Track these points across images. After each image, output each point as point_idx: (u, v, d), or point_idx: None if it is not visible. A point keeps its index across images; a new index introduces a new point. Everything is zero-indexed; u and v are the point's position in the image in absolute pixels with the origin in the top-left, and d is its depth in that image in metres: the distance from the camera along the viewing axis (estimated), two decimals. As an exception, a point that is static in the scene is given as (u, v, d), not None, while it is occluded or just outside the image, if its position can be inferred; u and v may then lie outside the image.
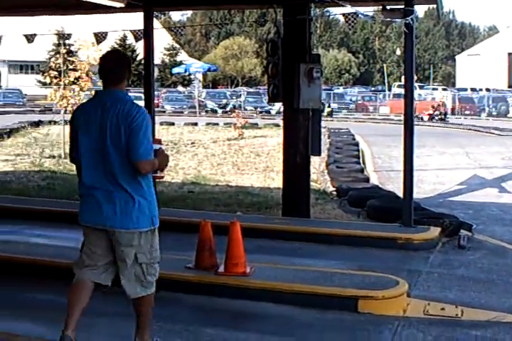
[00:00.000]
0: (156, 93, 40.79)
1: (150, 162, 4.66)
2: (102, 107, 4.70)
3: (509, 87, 69.57)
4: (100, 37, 12.12)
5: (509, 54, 74.65)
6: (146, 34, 10.78)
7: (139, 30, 11.44)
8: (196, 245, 6.90)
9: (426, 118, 39.12)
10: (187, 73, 60.08)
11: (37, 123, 29.99)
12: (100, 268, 4.84)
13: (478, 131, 31.52)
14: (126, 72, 4.87)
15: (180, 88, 62.61)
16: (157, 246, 4.90)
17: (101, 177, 4.69)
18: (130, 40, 60.33)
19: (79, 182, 4.87)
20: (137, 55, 61.77)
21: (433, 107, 40.42)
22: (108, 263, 4.84)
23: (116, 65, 4.83)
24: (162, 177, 4.95)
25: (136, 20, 12.66)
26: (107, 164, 4.66)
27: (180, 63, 62.10)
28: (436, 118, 38.79)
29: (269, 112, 43.20)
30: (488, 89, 58.46)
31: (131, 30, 11.86)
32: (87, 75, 19.89)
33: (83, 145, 4.73)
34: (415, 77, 9.94)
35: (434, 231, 8.77)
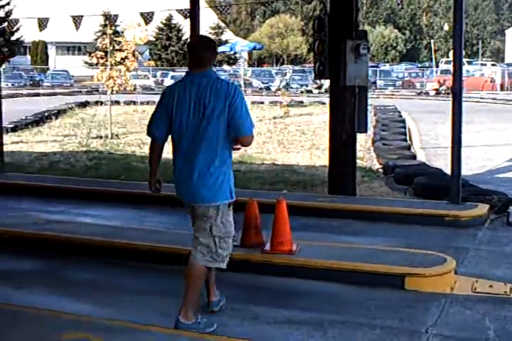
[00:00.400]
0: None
1: (252, 136, 4.97)
2: (197, 87, 4.89)
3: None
4: (147, 17, 12.18)
5: (561, 27, 73.03)
6: (192, 13, 10.75)
7: (185, 10, 11.46)
8: (242, 223, 6.92)
9: (432, 93, 38.74)
10: (232, 52, 60.05)
11: (84, 104, 30.33)
12: None
13: (530, 107, 30.97)
14: (213, 55, 5.07)
15: (225, 67, 62.68)
16: (232, 221, 5.05)
17: (196, 153, 4.87)
18: (176, 19, 60.55)
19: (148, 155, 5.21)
20: (183, 35, 62.02)
21: (439, 82, 39.99)
22: None
23: (204, 47, 5.03)
24: (239, 148, 5.12)
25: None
26: (204, 141, 4.85)
27: (226, 42, 62.10)
28: (443, 92, 38.31)
29: (269, 89, 43.17)
30: (539, 64, 57.33)
31: (177, 10, 11.89)
32: (133, 55, 20.00)
33: (178, 124, 4.91)
34: (463, 53, 9.78)
35: (483, 208, 8.66)
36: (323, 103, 27.59)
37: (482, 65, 59.42)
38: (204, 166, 4.85)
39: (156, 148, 5.10)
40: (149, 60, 63.07)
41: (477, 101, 33.00)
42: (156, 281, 6.35)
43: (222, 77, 5.16)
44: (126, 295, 5.98)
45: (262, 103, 31.51)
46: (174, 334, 4.90)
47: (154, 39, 63.49)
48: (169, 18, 62.78)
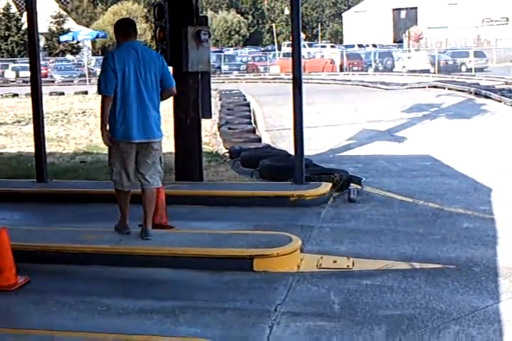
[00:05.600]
0: (43, 63, 39.71)
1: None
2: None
3: (394, 42, 71.09)
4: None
5: (393, 10, 76.07)
6: (29, 2, 10.40)
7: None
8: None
9: None
10: (75, 41, 58.79)
11: None
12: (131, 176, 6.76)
13: (366, 86, 32.17)
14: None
15: (69, 56, 61.17)
16: None
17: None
18: (14, 9, 58.38)
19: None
20: (22, 24, 59.79)
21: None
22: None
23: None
24: None
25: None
26: None
27: (68, 31, 60.62)
28: None
29: None
30: (374, 45, 59.60)
31: (13, 0, 11.44)
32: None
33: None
34: (304, 36, 10.03)
35: (325, 187, 8.94)
36: (169, 90, 27.47)
37: (322, 47, 61.04)
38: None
39: None
40: (-12, 51, 60.45)
41: (318, 83, 33.90)
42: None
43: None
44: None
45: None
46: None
47: (-8, 29, 60.95)
48: (7, 8, 60.37)
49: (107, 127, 6.62)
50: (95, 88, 25.64)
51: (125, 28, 6.78)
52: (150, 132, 6.66)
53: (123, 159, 6.65)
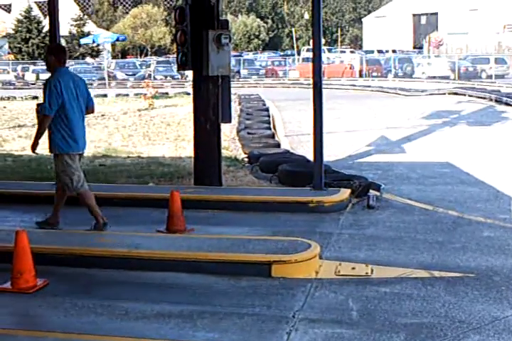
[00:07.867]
0: (63, 65, 39.90)
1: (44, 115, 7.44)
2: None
3: (414, 47, 70.92)
4: (4, 9, 11.81)
5: (414, 15, 75.89)
6: (51, 5, 10.48)
7: (44, 1, 11.14)
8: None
9: None
10: (95, 44, 59.06)
11: None
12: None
13: (386, 92, 32.09)
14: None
15: (88, 59, 61.52)
16: None
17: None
18: (35, 11, 58.79)
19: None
20: (43, 27, 60.23)
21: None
22: None
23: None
24: None
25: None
26: None
27: (88, 34, 60.95)
28: None
29: None
30: (394, 51, 59.46)
31: (35, 2, 11.56)
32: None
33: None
34: (323, 41, 10.02)
35: (344, 193, 8.91)
36: (188, 93, 27.58)
37: (341, 52, 61.01)
38: None
39: None
40: (9, 53, 60.93)
41: (337, 88, 33.86)
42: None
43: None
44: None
45: (127, 95, 31.13)
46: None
47: (14, 32, 61.36)
48: (28, 10, 60.80)
49: (55, 141, 7.48)
50: (115, 91, 26.00)
51: (62, 55, 7.67)
52: (85, 144, 7.75)
53: (77, 167, 7.57)
